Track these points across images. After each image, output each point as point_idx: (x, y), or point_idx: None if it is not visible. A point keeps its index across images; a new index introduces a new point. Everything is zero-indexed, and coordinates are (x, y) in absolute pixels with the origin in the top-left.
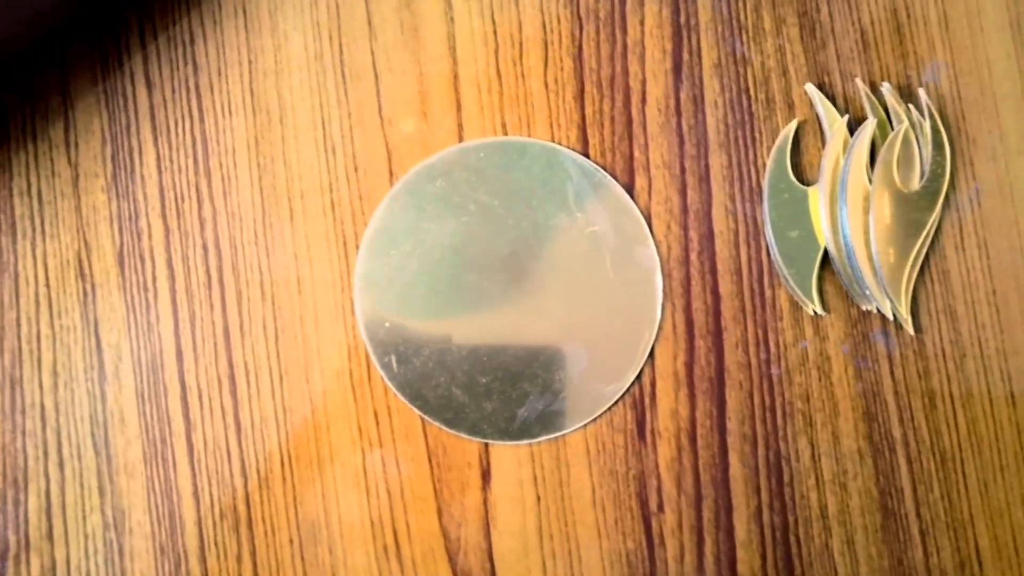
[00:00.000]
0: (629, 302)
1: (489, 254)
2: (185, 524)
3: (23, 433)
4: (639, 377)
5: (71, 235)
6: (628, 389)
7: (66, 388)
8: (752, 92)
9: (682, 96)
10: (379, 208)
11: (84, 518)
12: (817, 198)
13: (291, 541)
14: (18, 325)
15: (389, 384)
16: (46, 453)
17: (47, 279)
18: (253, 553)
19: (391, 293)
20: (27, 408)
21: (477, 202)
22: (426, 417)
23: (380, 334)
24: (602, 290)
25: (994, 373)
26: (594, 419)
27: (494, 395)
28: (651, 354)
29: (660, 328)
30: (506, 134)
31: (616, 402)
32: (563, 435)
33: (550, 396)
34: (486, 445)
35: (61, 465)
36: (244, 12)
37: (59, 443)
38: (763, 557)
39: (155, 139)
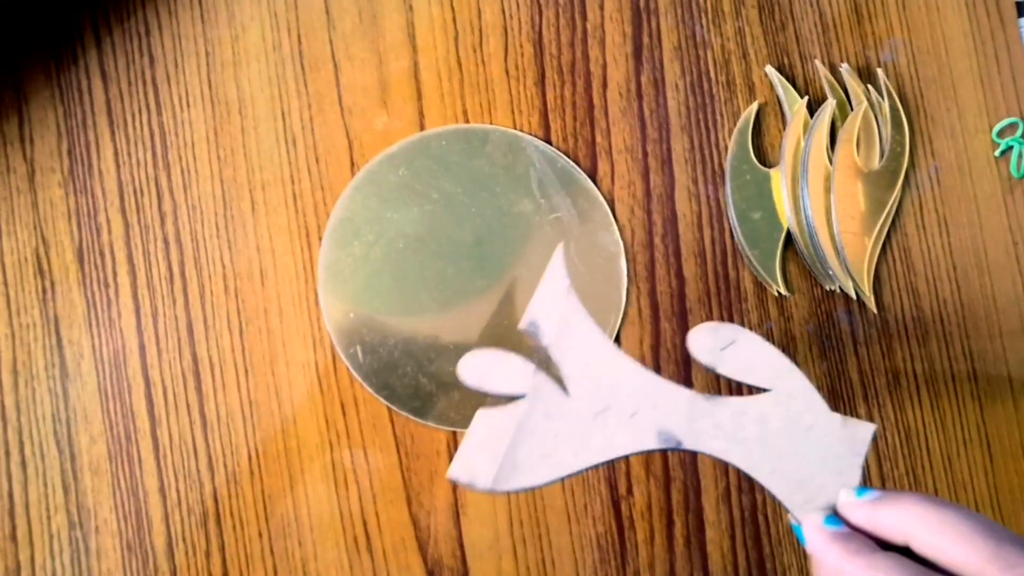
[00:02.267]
0: (594, 287)
1: (453, 242)
2: (152, 521)
3: None
4: None
5: (28, 232)
6: None
7: (27, 387)
8: (713, 75)
9: (643, 80)
10: (341, 198)
11: (49, 518)
12: (779, 179)
13: (260, 535)
14: None
15: (355, 375)
16: (7, 453)
17: (4, 277)
18: (222, 548)
19: (355, 283)
20: None
21: (440, 190)
22: (393, 407)
23: (345, 325)
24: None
25: (956, 349)
26: None
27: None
28: (617, 338)
29: (625, 312)
30: (467, 121)
31: None
32: None
33: None
34: (454, 433)
35: (23, 464)
36: (200, 2)
37: (20, 442)
38: (732, 537)
39: (112, 133)
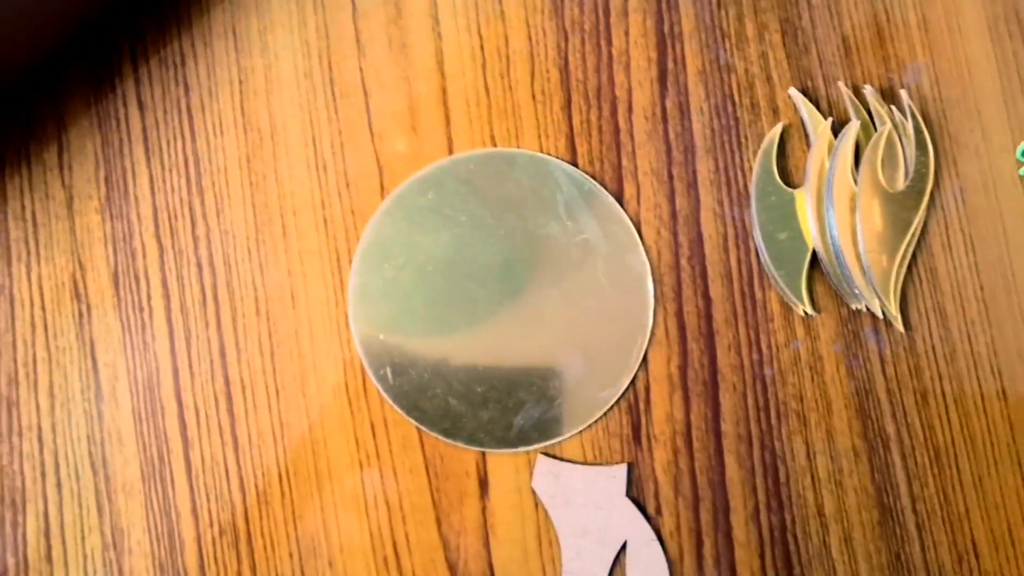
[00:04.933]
0: (621, 308)
1: (482, 265)
2: (184, 542)
3: (20, 455)
4: (633, 382)
5: (66, 257)
6: (623, 394)
7: (63, 409)
8: (737, 98)
9: (668, 104)
10: (371, 222)
11: (83, 538)
12: (804, 200)
13: (291, 556)
14: (14, 348)
15: (385, 396)
16: (44, 474)
17: (42, 301)
18: (253, 569)
19: (385, 306)
20: (24, 430)
21: (468, 213)
22: (423, 428)
23: (375, 347)
24: (595, 297)
25: (984, 368)
26: (590, 425)
27: (491, 404)
28: (644, 359)
29: (653, 333)
30: (495, 146)
31: (611, 407)
32: (560, 442)
33: (546, 403)
34: (483, 454)
35: (59, 486)
36: (234, 33)
37: (56, 464)
38: (762, 557)
39: (148, 160)
